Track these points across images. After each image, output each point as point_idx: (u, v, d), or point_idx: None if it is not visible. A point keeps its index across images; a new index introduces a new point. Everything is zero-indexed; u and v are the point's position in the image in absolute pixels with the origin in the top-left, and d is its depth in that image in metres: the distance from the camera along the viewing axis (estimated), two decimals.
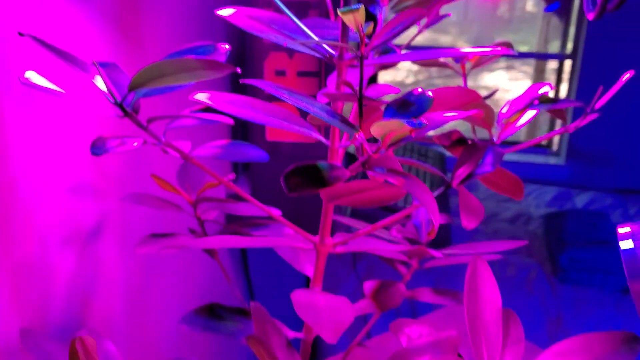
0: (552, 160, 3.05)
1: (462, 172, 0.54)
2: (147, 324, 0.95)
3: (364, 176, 0.72)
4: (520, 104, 0.58)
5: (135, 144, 0.50)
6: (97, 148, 0.47)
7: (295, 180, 0.42)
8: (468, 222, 0.53)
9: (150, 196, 0.68)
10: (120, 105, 0.51)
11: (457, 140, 0.57)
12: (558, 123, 3.12)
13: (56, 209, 0.68)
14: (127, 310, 0.86)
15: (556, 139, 3.11)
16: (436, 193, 0.59)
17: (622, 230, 0.40)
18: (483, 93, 0.61)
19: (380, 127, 0.38)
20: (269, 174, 1.26)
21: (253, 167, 1.28)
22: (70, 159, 0.70)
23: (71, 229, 0.71)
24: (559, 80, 3.10)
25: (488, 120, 0.56)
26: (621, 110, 2.88)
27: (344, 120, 0.42)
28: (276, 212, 0.61)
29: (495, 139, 0.58)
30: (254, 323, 0.48)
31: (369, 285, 0.68)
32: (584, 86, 2.85)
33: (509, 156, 3.07)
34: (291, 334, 0.60)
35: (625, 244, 0.39)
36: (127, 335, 0.86)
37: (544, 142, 3.20)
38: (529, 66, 4.10)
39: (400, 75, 6.30)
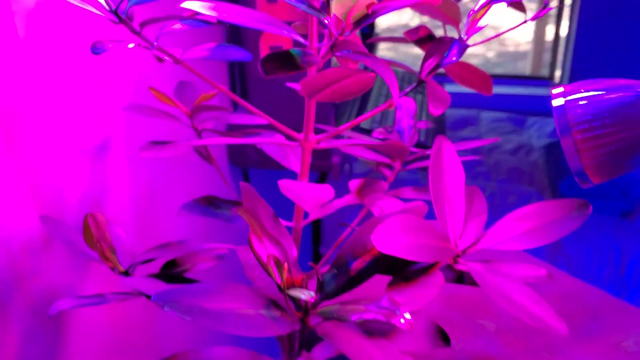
0: None
1: (429, 64, 0.59)
2: (153, 222, 1.03)
3: None
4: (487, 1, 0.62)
5: (131, 45, 0.55)
6: (97, 48, 0.53)
7: (270, 65, 0.47)
8: (435, 109, 0.58)
9: (150, 107, 0.74)
10: (115, 12, 0.56)
11: (426, 37, 0.62)
12: (559, 58, 3.13)
13: (65, 121, 0.74)
14: (135, 211, 0.94)
15: (558, 73, 3.12)
16: (409, 88, 0.65)
17: (555, 90, 0.45)
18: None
19: (340, 2, 0.43)
20: (266, 100, 1.31)
21: (251, 94, 1.33)
22: (74, 78, 0.76)
23: (80, 139, 0.77)
24: (559, 17, 3.10)
25: (454, 17, 0.61)
26: (621, 40, 2.88)
27: (312, 6, 0.47)
28: (269, 118, 0.67)
29: (462, 35, 0.63)
30: (244, 199, 0.54)
31: (354, 183, 0.74)
32: (585, 16, 2.85)
33: (512, 89, 3.10)
34: (283, 223, 0.66)
35: (557, 102, 0.44)
36: (134, 229, 0.94)
37: (546, 75, 3.21)
38: (534, 3, 4.09)
39: (405, 17, 6.30)
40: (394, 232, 0.47)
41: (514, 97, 3.11)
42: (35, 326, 0.72)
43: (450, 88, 3.17)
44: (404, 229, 0.48)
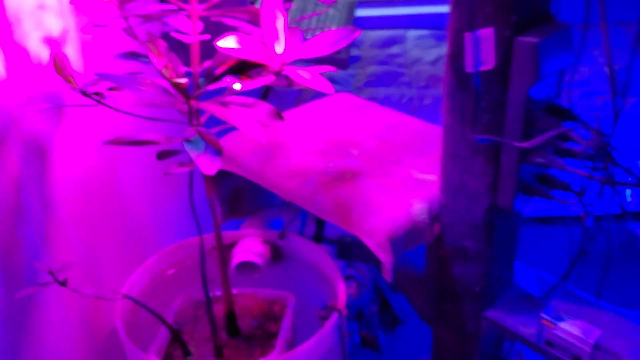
0: None
1: None
2: None
3: None
4: None
5: None
6: None
7: None
8: None
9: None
10: None
11: None
12: None
13: None
14: None
15: None
16: None
17: None
18: None
19: None
20: None
21: None
22: None
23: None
24: None
25: None
26: None
27: None
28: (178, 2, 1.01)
29: None
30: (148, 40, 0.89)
31: None
32: None
33: (435, 8, 3.43)
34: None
35: None
36: None
37: None
38: None
39: None
40: (232, 41, 0.83)
41: (437, 16, 3.45)
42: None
43: (380, 12, 3.51)
44: (240, 40, 0.84)
